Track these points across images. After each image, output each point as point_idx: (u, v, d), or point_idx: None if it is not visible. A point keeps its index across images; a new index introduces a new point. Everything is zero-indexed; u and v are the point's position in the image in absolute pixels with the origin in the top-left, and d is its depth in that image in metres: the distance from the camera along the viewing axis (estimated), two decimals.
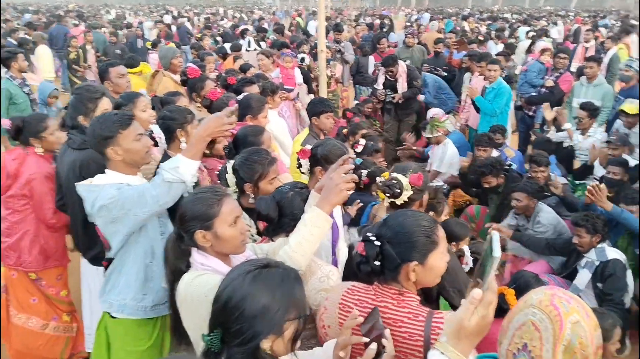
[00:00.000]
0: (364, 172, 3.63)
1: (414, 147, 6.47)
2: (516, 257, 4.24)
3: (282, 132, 4.49)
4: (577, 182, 5.23)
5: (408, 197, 2.41)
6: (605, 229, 3.56)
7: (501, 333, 1.31)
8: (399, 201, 2.40)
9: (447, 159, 5.44)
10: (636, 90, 5.73)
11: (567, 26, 11.93)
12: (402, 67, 6.76)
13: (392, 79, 6.80)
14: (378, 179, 2.45)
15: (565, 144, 5.47)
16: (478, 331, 1.21)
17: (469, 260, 2.95)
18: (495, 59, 6.36)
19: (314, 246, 1.80)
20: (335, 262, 2.33)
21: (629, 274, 3.49)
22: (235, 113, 2.16)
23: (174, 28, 14.70)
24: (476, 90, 6.13)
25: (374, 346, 1.39)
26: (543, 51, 7.63)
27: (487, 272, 1.20)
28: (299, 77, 7.37)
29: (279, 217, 2.18)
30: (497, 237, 1.24)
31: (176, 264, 1.83)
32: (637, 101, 5.13)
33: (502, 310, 1.45)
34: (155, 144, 3.32)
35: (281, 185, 2.41)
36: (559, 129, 5.65)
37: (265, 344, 1.31)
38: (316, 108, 4.17)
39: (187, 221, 1.77)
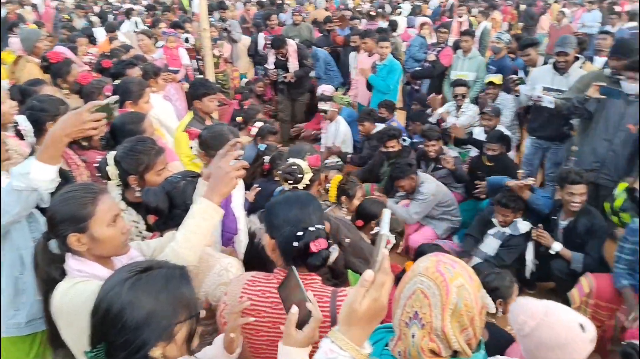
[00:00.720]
0: (266, 157, 3.57)
1: (307, 129, 6.53)
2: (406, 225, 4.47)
3: (169, 116, 4.24)
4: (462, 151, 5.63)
5: (310, 180, 2.40)
6: (520, 210, 3.91)
7: (394, 304, 1.33)
8: (301, 186, 2.39)
9: (340, 135, 5.53)
10: (505, 61, 6.22)
11: (443, 2, 12.60)
12: (292, 46, 6.72)
13: (282, 59, 6.73)
14: (278, 168, 2.42)
15: (444, 126, 5.79)
16: (371, 315, 1.12)
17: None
18: (385, 36, 6.53)
19: (204, 240, 1.70)
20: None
21: (530, 248, 3.84)
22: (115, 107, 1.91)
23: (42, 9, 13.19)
24: (368, 70, 6.27)
25: (294, 309, 1.31)
26: (422, 26, 7.94)
27: (378, 251, 1.13)
28: (185, 58, 7.06)
29: (169, 210, 2.05)
30: (388, 214, 1.19)
31: (48, 273, 1.63)
32: (501, 75, 5.61)
33: None
34: (21, 138, 2.95)
35: (171, 175, 2.27)
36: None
37: (156, 353, 1.21)
38: (198, 90, 3.97)
39: (57, 224, 1.57)
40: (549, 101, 4.34)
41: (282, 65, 6.76)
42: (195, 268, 1.73)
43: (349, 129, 5.61)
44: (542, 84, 4.79)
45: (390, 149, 4.77)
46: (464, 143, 5.47)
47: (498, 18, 10.88)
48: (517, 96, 5.24)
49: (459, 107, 5.73)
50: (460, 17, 9.70)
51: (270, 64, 6.88)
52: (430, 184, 4.43)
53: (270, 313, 1.57)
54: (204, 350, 1.62)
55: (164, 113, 4.17)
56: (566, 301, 3.41)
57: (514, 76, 5.27)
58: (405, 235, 4.35)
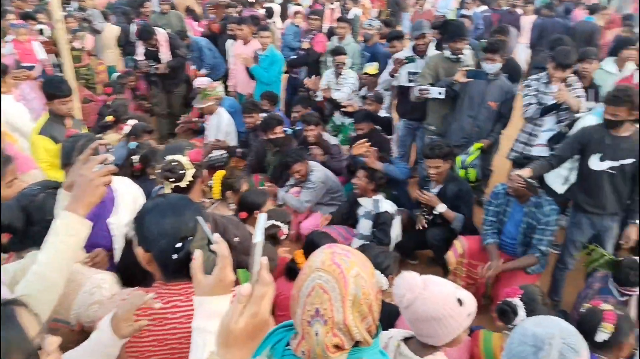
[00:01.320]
0: (135, 157, 3.30)
1: (194, 119, 6.22)
2: (296, 212, 4.48)
3: (22, 119, 3.75)
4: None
5: (192, 176, 2.25)
6: (381, 180, 4.07)
7: (293, 303, 1.28)
8: (184, 183, 2.23)
9: (222, 127, 5.35)
10: (378, 47, 6.46)
11: None
12: (162, 35, 6.33)
13: (153, 49, 6.32)
14: (157, 166, 2.23)
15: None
16: (251, 332, 1.03)
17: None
18: (266, 25, 6.40)
19: (72, 258, 1.50)
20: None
21: (396, 223, 4.03)
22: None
23: None
24: (249, 59, 6.12)
25: (197, 253, 1.19)
26: (296, 14, 7.95)
27: (254, 261, 1.04)
28: (40, 52, 6.32)
29: (26, 226, 1.78)
30: (263, 220, 1.11)
31: None
32: (377, 64, 5.81)
33: None
34: None
35: (27, 186, 1.98)
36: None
37: None
38: (46, 91, 3.54)
39: None
40: (437, 92, 4.53)
41: (153, 56, 6.35)
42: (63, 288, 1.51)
43: (232, 121, 5.44)
44: (406, 69, 5.07)
45: (276, 136, 4.72)
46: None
47: (367, 5, 11.31)
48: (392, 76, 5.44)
49: (338, 74, 5.76)
50: (332, 3, 9.90)
51: (139, 56, 6.42)
52: (319, 172, 4.48)
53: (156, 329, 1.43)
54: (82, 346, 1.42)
55: (16, 116, 3.68)
56: (445, 266, 3.69)
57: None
58: (296, 222, 4.36)
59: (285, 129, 5.04)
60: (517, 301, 2.43)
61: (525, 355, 1.43)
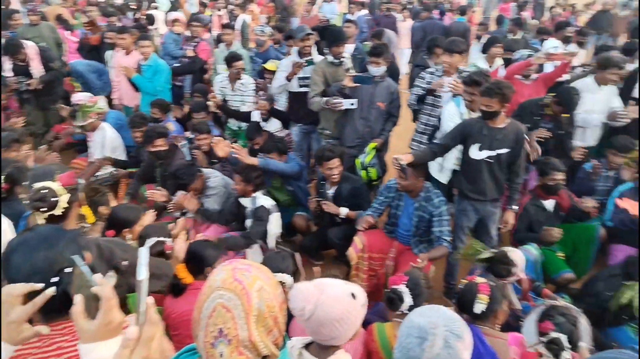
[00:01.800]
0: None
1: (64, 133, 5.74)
2: (196, 221, 4.35)
3: None
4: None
5: (68, 202, 2.07)
6: (258, 179, 4.03)
7: (195, 326, 1.24)
8: (58, 211, 2.04)
9: (107, 143, 5.02)
10: (270, 52, 6.47)
11: None
12: (31, 48, 5.80)
13: (22, 64, 5.76)
14: (25, 197, 2.01)
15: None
16: None
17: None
18: (147, 34, 6.09)
19: None
20: None
21: (272, 218, 4.00)
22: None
23: None
24: (132, 69, 5.80)
25: (77, 298, 1.08)
26: (174, 22, 7.60)
27: (140, 300, 0.96)
28: None
29: None
30: (145, 255, 1.02)
31: None
32: (277, 60, 5.83)
33: None
34: None
35: None
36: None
37: None
38: None
39: None
40: (350, 104, 4.58)
41: (23, 71, 5.79)
42: None
43: (117, 135, 5.12)
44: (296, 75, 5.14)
45: (158, 149, 4.49)
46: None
47: (256, 10, 11.29)
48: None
49: (235, 80, 5.63)
50: (219, 10, 9.74)
51: (7, 72, 5.81)
52: (216, 178, 4.39)
53: None
54: None
55: None
56: (348, 262, 3.80)
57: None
58: (195, 233, 4.21)
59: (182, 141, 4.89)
60: (402, 288, 2.52)
61: (411, 346, 1.46)
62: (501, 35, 7.31)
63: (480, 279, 2.51)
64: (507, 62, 5.71)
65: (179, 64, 6.85)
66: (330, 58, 4.83)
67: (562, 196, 4.11)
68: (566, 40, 6.79)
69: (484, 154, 3.54)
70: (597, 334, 3.31)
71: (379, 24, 9.19)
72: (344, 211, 4.05)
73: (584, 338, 2.96)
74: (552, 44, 5.53)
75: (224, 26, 6.82)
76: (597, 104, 4.59)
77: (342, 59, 4.86)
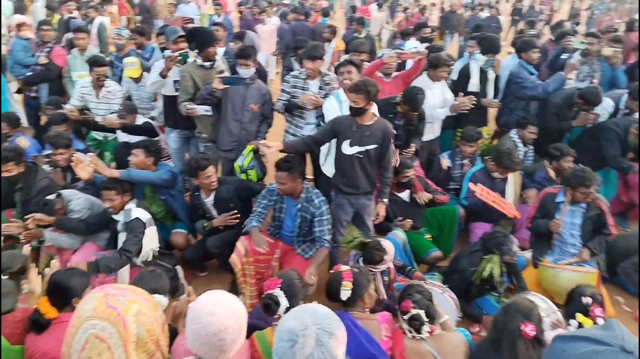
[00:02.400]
0: None
1: None
2: (61, 249, 3.96)
3: None
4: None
5: None
6: (126, 192, 3.78)
7: None
8: None
9: None
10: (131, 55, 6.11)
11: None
12: None
13: None
14: None
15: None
16: None
17: None
18: None
19: None
20: None
21: (148, 232, 3.74)
22: None
23: None
24: None
25: None
26: (20, 26, 6.67)
27: None
28: None
29: None
30: None
31: None
32: (137, 64, 5.49)
33: None
34: None
35: None
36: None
37: None
38: None
39: None
40: (204, 110, 4.51)
41: None
42: None
43: None
44: (173, 78, 4.93)
45: (10, 174, 3.95)
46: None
47: (115, 12, 10.59)
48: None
49: (100, 86, 5.21)
50: (70, 12, 8.98)
51: None
52: (79, 199, 4.00)
53: None
54: None
55: None
56: (232, 269, 3.72)
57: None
58: (60, 259, 3.84)
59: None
60: (277, 292, 2.52)
61: (284, 351, 1.42)
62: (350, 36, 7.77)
63: (344, 268, 2.65)
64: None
65: (31, 73, 6.18)
66: (199, 61, 4.71)
67: (416, 184, 4.45)
68: (424, 40, 7.35)
69: (354, 149, 3.70)
70: (465, 306, 3.69)
71: (241, 26, 9.18)
72: (218, 221, 4.05)
73: (448, 311, 3.28)
74: (413, 44, 5.97)
75: (77, 30, 6.26)
76: (434, 98, 5.04)
77: (213, 62, 4.77)
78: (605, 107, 5.29)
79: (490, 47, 5.37)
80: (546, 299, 3.59)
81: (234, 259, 3.67)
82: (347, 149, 3.72)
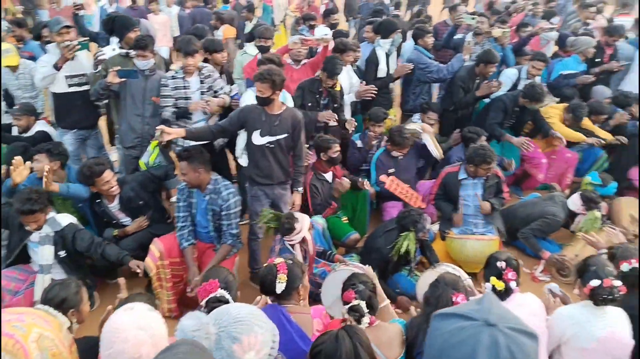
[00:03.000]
0: None
1: None
2: None
3: None
4: None
5: None
6: (49, 201, 3.48)
7: None
8: None
9: None
10: None
11: None
12: None
13: None
14: None
15: None
16: None
17: None
18: None
19: None
20: None
21: (81, 235, 3.54)
22: None
23: None
24: None
25: None
26: None
27: None
28: None
29: None
30: None
31: None
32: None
33: None
34: None
35: None
36: None
37: None
38: None
39: None
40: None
41: None
42: None
43: None
44: (64, 72, 4.53)
45: None
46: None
47: None
48: None
49: None
50: None
51: None
52: None
53: None
54: None
55: None
56: (148, 274, 3.57)
57: None
58: None
59: None
60: (220, 292, 2.44)
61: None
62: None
63: (278, 260, 2.64)
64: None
65: None
66: (119, 49, 4.36)
67: (336, 168, 4.54)
68: (333, 27, 7.37)
69: (265, 139, 3.65)
70: (382, 285, 3.82)
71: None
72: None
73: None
74: (323, 31, 5.97)
75: None
76: (341, 82, 5.09)
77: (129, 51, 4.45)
78: (509, 76, 5.74)
79: (389, 29, 5.47)
80: (457, 267, 3.88)
81: (149, 263, 3.51)
82: (258, 139, 3.66)
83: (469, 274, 4.00)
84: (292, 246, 3.42)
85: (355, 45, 5.33)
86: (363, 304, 2.51)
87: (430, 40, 5.70)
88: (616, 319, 2.59)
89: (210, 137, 3.85)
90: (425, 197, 4.79)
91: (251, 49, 5.57)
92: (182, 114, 4.31)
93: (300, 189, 3.93)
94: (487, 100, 5.66)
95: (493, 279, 2.72)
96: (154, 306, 2.00)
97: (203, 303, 2.38)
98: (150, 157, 4.27)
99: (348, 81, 5.22)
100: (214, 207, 3.63)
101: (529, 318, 2.60)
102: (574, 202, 4.48)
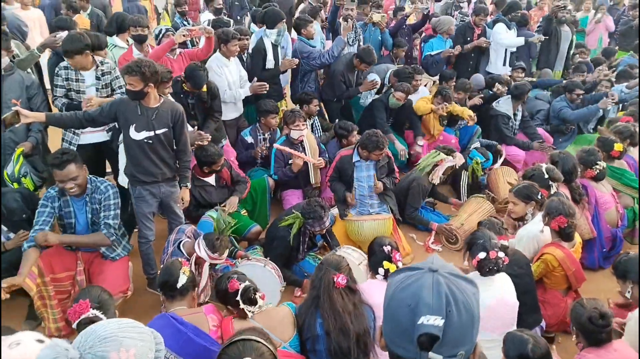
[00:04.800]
0: None
1: None
2: None
3: None
4: None
5: None
6: None
7: None
8: None
9: None
10: None
11: None
12: None
13: None
14: None
15: None
16: None
17: None
18: None
19: None
20: None
21: None
22: None
23: None
24: None
25: None
26: None
27: None
28: None
29: None
30: None
31: None
32: None
33: None
34: None
35: None
36: None
37: None
38: None
39: None
40: None
41: None
42: None
43: None
44: None
45: None
46: None
47: None
48: None
49: None
50: None
51: None
52: None
53: None
54: None
55: None
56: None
57: None
58: None
59: None
60: (92, 312, 2.26)
61: None
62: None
63: (182, 259, 2.58)
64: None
65: None
66: None
67: (223, 173, 4.36)
68: (217, 12, 7.04)
69: (143, 134, 3.41)
70: (287, 273, 3.82)
71: None
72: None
73: (272, 283, 3.43)
74: (207, 17, 5.71)
75: None
76: (232, 75, 5.00)
77: None
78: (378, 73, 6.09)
79: (274, 19, 5.40)
80: (356, 248, 3.98)
81: (27, 283, 3.12)
82: (135, 134, 3.41)
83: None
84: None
85: (240, 33, 5.18)
86: (252, 289, 2.52)
87: (312, 29, 5.75)
88: (502, 285, 2.82)
89: (77, 125, 3.52)
90: (325, 182, 4.83)
91: (119, 41, 5.20)
92: (75, 108, 3.91)
93: (189, 184, 3.74)
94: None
95: (386, 263, 2.82)
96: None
97: (74, 325, 2.20)
98: (15, 167, 3.79)
99: (237, 74, 5.09)
100: (94, 206, 3.34)
101: None
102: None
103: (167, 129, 3.48)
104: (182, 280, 2.42)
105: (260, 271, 3.52)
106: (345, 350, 2.44)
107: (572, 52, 7.84)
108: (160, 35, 5.10)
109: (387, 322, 1.01)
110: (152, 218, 3.71)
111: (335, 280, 2.51)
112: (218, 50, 4.98)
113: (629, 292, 2.63)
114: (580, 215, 3.93)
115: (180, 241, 3.39)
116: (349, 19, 6.13)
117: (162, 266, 2.63)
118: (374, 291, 2.71)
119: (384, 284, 2.64)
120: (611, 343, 2.36)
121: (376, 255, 2.90)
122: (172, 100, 3.62)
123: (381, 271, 2.84)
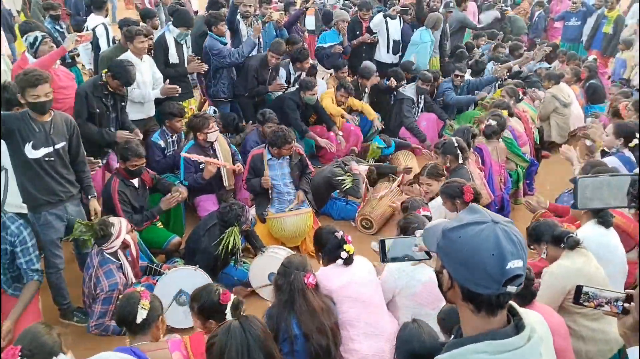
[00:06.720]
0: None
1: None
2: None
3: None
4: None
5: None
6: None
7: None
8: None
9: None
10: None
11: None
12: None
13: None
14: None
15: None
16: None
17: None
18: None
19: None
20: None
21: None
22: None
23: None
24: None
25: None
26: None
27: None
28: None
29: None
30: None
31: None
32: None
33: None
34: None
35: None
36: None
37: None
38: None
39: None
40: None
41: None
42: None
43: None
44: None
45: None
46: None
47: None
48: None
49: None
50: None
51: None
52: None
53: None
54: None
55: None
56: None
57: None
58: None
59: None
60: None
61: None
62: None
63: (140, 288, 2.40)
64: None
65: None
66: None
67: (145, 176, 4.10)
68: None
69: (42, 152, 3.12)
70: (215, 280, 3.68)
71: None
72: None
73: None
74: (95, 21, 5.28)
75: None
76: (143, 75, 4.73)
77: None
78: (281, 76, 6.13)
79: (182, 20, 5.27)
80: (282, 247, 3.97)
81: None
82: (32, 152, 3.09)
83: (292, 248, 4.18)
84: (114, 253, 3.17)
85: (142, 30, 4.92)
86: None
87: (223, 28, 5.65)
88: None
89: None
90: (238, 183, 4.73)
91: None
92: None
93: (94, 193, 3.52)
94: None
95: (347, 246, 2.81)
96: None
97: None
98: None
99: (150, 75, 4.84)
100: (6, 247, 2.99)
101: (369, 276, 2.85)
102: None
103: (65, 142, 3.22)
104: (142, 315, 2.22)
105: (192, 275, 3.41)
106: (325, 348, 2.49)
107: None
108: (37, 43, 4.58)
109: (469, 269, 1.13)
110: (61, 244, 3.37)
111: (307, 281, 2.53)
112: (129, 49, 4.74)
113: (544, 253, 2.90)
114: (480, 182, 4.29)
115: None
116: (249, 16, 6.08)
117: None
118: (331, 278, 2.74)
119: (342, 269, 2.77)
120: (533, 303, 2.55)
121: (330, 243, 2.86)
122: (58, 111, 3.31)
123: (344, 254, 2.80)
